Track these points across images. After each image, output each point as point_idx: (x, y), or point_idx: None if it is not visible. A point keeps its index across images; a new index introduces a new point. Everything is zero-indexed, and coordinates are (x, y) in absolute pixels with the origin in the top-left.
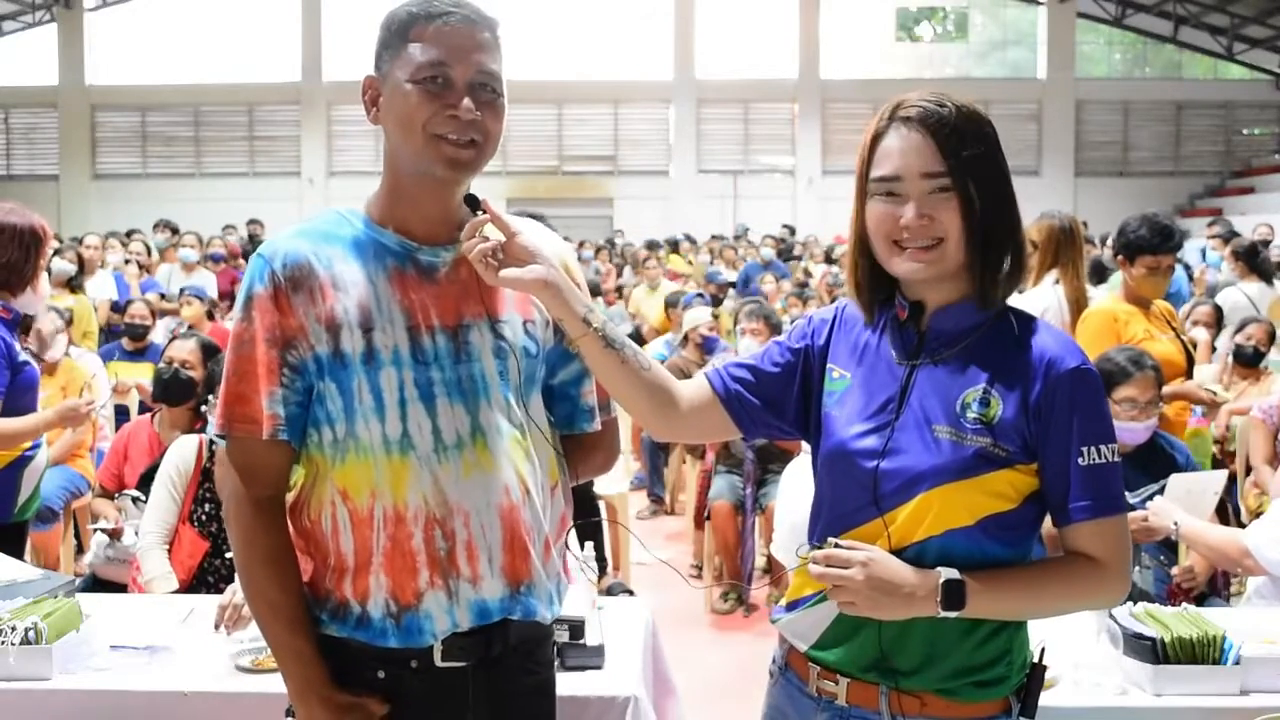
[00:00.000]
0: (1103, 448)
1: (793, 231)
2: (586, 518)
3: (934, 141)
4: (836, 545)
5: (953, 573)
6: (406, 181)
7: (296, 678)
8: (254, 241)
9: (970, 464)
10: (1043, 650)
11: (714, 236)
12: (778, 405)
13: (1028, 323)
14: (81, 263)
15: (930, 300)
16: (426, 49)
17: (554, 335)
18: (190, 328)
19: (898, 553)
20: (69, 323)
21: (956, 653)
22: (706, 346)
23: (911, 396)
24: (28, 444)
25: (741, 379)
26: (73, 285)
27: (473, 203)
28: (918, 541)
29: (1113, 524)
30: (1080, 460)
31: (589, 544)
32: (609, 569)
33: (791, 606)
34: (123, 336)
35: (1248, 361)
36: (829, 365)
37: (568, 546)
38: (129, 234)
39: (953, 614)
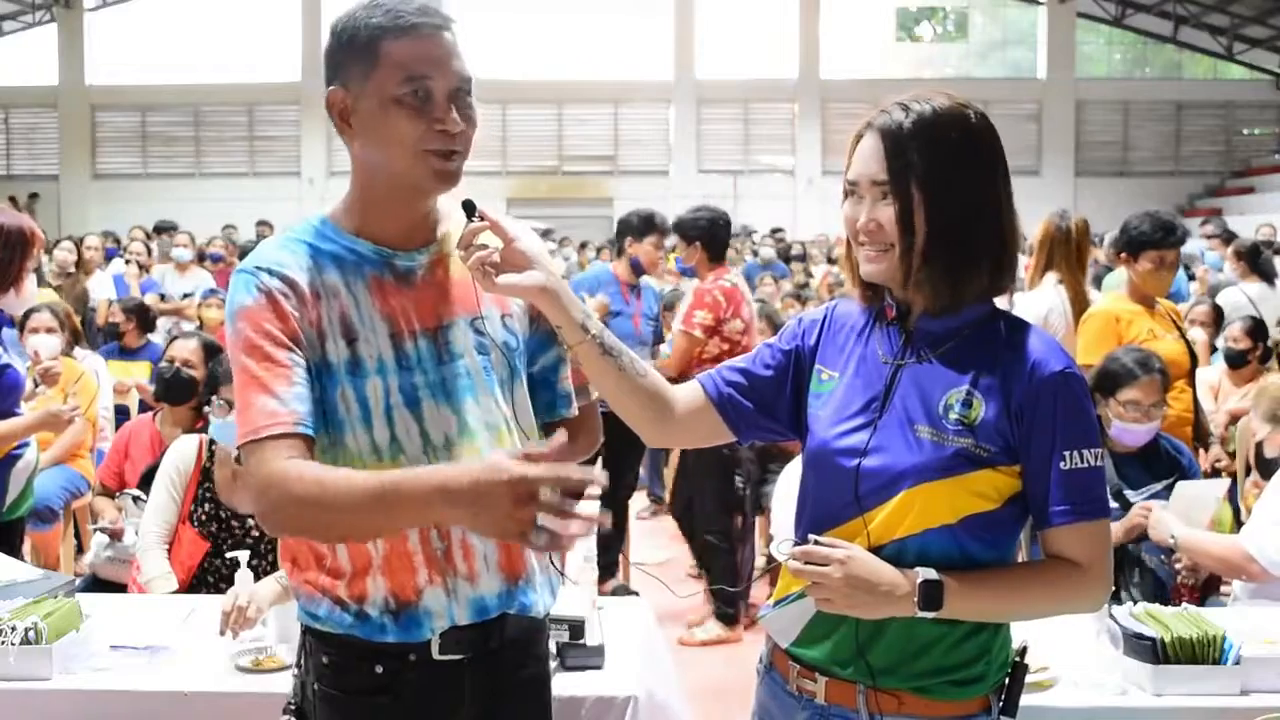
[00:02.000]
0: (1085, 452)
1: (782, 240)
2: (616, 525)
3: (884, 148)
4: (816, 542)
5: (931, 573)
6: (383, 193)
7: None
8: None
9: (950, 463)
10: (1024, 649)
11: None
12: (770, 408)
13: (1016, 326)
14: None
15: (916, 301)
16: (404, 64)
17: (530, 324)
18: (200, 327)
19: (876, 550)
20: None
21: (932, 651)
22: None
23: (895, 396)
24: (13, 444)
25: (734, 383)
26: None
27: (470, 208)
28: (897, 539)
29: (1093, 528)
30: (1062, 464)
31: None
32: (619, 572)
33: (778, 604)
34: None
35: (1236, 363)
36: (817, 366)
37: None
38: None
39: (930, 614)
